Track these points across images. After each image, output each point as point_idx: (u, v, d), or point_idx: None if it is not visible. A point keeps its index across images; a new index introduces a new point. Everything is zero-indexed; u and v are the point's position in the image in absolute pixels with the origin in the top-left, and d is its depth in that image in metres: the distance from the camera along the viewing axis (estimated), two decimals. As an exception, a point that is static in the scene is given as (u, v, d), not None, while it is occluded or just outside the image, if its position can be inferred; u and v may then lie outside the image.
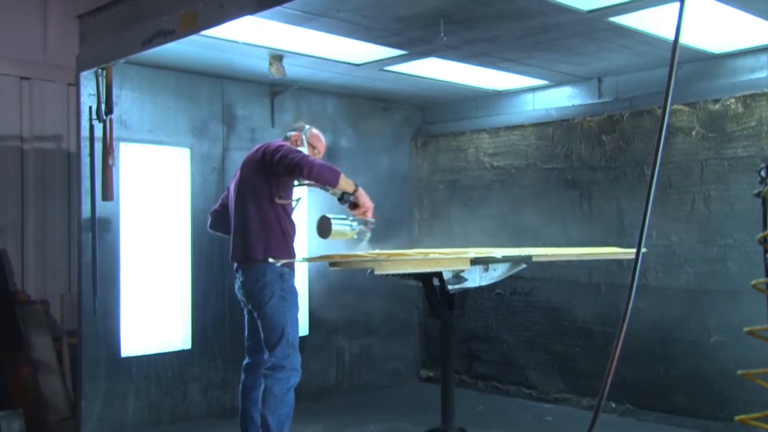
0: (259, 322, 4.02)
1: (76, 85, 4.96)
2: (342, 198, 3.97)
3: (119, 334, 5.05)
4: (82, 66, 4.92)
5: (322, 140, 4.46)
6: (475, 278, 3.66)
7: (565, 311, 5.82)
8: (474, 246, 4.85)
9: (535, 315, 6.04)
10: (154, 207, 5.27)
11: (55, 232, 6.37)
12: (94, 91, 4.91)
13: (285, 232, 4.05)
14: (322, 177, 3.86)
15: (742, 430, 4.53)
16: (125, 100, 5.12)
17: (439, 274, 3.56)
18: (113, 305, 5.03)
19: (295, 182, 4.11)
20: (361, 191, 3.95)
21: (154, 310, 5.26)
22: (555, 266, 5.80)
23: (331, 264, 3.38)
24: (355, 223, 3.98)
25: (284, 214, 4.07)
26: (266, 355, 3.99)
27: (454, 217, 6.63)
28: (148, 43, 4.42)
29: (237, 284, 4.13)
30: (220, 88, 5.65)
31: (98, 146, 4.91)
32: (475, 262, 3.48)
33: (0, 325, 5.53)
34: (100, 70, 4.87)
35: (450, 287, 3.60)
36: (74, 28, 5.11)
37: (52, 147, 6.39)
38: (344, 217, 3.98)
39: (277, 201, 4.01)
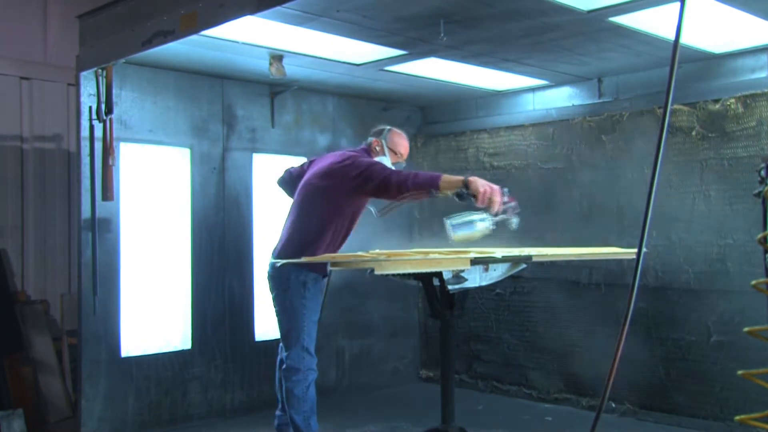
0: (276, 321, 4.13)
1: (76, 85, 4.96)
2: (460, 196, 3.66)
3: (119, 334, 5.05)
4: (82, 66, 4.92)
5: (404, 142, 4.32)
6: (475, 278, 3.66)
7: (565, 311, 5.82)
8: (474, 246, 4.84)
9: (535, 315, 6.04)
10: (154, 207, 5.28)
11: (55, 232, 6.37)
12: (94, 91, 4.92)
13: (330, 247, 4.04)
14: (420, 188, 3.70)
15: (742, 430, 4.54)
16: (125, 100, 5.12)
17: (439, 274, 3.56)
18: (113, 305, 5.03)
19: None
20: (472, 180, 3.63)
21: (154, 310, 5.26)
22: (555, 266, 5.80)
23: (332, 264, 3.39)
24: (481, 217, 3.70)
25: (342, 227, 4.04)
26: (284, 354, 4.09)
27: (454, 217, 6.62)
28: (148, 43, 4.42)
29: (267, 271, 4.17)
30: (220, 88, 5.65)
31: (98, 146, 4.91)
32: (475, 262, 3.48)
33: (0, 325, 5.53)
34: (100, 70, 4.87)
35: (450, 287, 3.60)
36: (74, 28, 5.10)
37: (52, 147, 6.39)
38: (467, 213, 3.74)
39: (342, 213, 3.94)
